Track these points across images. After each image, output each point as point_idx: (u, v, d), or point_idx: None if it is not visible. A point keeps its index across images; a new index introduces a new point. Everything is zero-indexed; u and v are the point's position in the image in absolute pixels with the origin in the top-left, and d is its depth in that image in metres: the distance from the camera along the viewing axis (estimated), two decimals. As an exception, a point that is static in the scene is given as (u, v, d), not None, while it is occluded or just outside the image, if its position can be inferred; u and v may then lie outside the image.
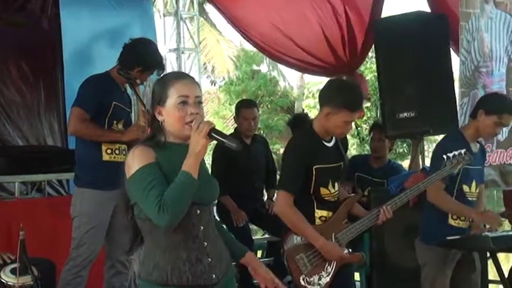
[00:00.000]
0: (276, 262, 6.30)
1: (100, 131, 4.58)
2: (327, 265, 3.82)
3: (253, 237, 6.53)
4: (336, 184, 3.91)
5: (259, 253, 7.73)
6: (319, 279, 3.78)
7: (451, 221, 4.37)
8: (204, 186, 2.77)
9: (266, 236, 7.15)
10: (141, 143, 2.77)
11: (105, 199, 4.58)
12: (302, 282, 3.76)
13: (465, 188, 4.36)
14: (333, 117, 3.77)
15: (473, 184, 4.39)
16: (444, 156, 4.14)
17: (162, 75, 2.94)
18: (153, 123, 2.79)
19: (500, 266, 4.56)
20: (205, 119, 2.73)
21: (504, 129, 5.18)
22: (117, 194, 4.52)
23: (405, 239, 4.98)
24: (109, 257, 4.77)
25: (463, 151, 4.17)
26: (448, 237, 4.23)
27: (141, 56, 4.61)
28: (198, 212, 2.75)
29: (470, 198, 4.39)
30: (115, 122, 4.66)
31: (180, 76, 2.85)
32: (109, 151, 4.61)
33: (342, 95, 3.80)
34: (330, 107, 3.77)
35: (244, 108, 6.11)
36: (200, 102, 2.78)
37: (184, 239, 2.72)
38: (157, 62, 4.65)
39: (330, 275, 3.81)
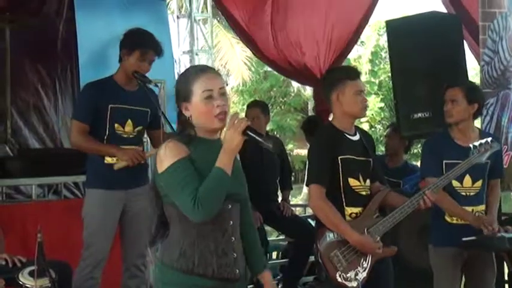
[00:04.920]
0: (291, 264, 6.32)
1: (97, 146, 4.56)
2: (362, 260, 3.80)
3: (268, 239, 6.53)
4: (368, 180, 3.92)
5: (274, 254, 7.74)
6: (356, 274, 3.76)
7: (447, 218, 4.31)
8: (236, 182, 2.79)
9: (281, 237, 7.15)
10: (173, 137, 2.77)
11: (111, 199, 4.57)
12: (339, 279, 3.74)
13: (455, 183, 4.26)
14: (343, 96, 3.87)
15: (467, 179, 4.30)
16: (471, 145, 4.12)
17: (184, 71, 2.88)
18: (180, 118, 2.79)
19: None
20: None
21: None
22: (126, 195, 4.56)
23: (420, 239, 4.96)
24: (125, 260, 4.79)
25: (489, 139, 4.11)
26: (464, 238, 4.20)
27: (136, 36, 4.57)
28: (230, 206, 2.78)
29: (464, 193, 4.30)
30: (116, 124, 4.62)
31: (202, 69, 2.82)
32: (109, 159, 4.61)
33: (337, 73, 4.12)
34: (336, 90, 3.89)
35: (248, 108, 6.40)
36: (224, 93, 2.78)
37: (214, 230, 2.74)
38: (154, 42, 4.56)
39: (366, 270, 3.80)
